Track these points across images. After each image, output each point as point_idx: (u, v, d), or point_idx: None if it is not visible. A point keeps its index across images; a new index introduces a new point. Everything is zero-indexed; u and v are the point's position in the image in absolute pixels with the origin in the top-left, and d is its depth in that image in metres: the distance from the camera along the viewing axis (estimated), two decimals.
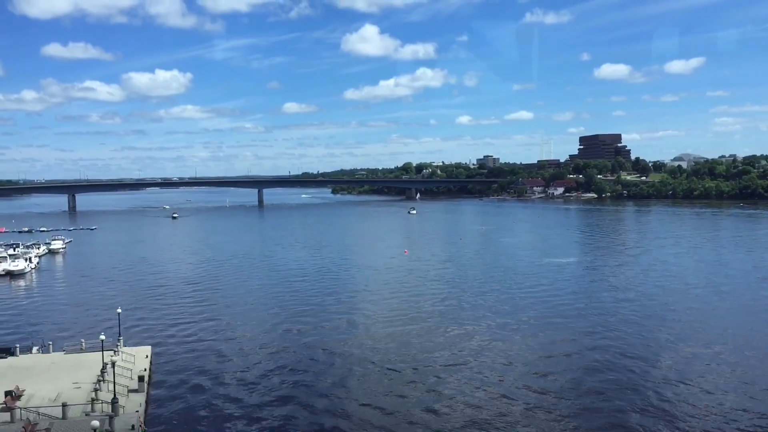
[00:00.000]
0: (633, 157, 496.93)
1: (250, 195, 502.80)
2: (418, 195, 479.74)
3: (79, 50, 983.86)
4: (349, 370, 63.35)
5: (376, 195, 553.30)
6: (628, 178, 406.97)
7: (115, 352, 64.43)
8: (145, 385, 54.17)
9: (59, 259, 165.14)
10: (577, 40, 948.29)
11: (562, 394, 55.78)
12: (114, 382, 49.14)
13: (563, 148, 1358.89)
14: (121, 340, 67.20)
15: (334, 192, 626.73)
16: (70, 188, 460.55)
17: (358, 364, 65.47)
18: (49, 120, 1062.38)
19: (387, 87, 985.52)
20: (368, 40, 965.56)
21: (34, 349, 66.64)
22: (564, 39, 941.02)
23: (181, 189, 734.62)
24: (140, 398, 51.55)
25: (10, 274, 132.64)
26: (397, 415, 51.70)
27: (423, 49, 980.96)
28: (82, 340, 67.27)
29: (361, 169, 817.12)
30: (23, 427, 42.08)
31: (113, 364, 58.12)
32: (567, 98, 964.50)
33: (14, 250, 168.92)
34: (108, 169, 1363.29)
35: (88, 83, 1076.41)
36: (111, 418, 42.72)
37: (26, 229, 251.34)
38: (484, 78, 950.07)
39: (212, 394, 57.36)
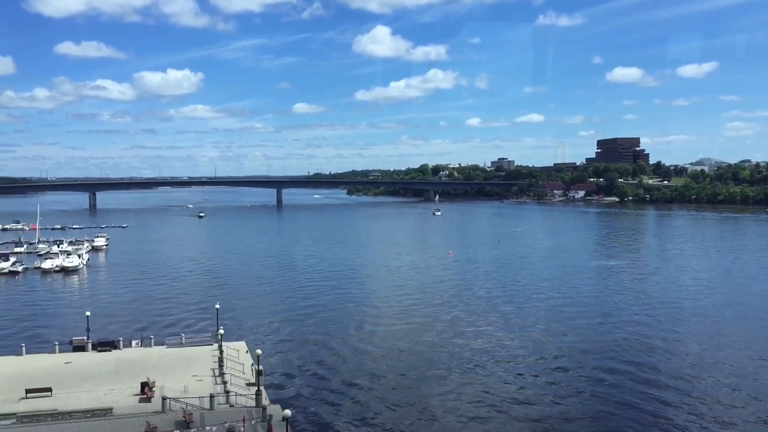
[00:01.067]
0: (650, 161, 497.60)
1: (265, 195, 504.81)
2: (437, 197, 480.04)
3: (91, 49, 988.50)
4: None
5: (392, 196, 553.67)
6: (650, 182, 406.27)
7: (220, 347, 65.56)
8: (262, 378, 54.95)
9: (102, 255, 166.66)
10: (590, 43, 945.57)
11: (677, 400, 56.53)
12: (223, 374, 50.04)
13: (575, 151, 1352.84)
14: (221, 335, 68.11)
15: (349, 193, 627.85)
16: (91, 186, 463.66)
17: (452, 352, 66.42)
18: (61, 118, 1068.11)
19: (398, 88, 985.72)
20: (380, 41, 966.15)
21: (134, 342, 67.67)
22: (576, 42, 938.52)
23: (193, 188, 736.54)
24: (263, 391, 52.39)
25: (65, 270, 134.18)
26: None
27: (434, 51, 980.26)
28: (182, 335, 68.35)
29: (374, 171, 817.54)
30: (183, 416, 43.11)
31: (224, 358, 59.52)
32: (578, 101, 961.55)
33: (58, 247, 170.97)
34: (118, 168, 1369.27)
35: (99, 82, 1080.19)
36: (264, 410, 43.63)
37: (59, 226, 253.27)
38: (495, 80, 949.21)
39: (322, 386, 58.48)
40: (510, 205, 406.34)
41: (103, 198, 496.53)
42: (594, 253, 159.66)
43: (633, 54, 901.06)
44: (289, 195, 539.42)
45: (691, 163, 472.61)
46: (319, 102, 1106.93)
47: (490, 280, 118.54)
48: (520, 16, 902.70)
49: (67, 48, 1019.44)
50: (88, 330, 66.70)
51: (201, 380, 54.98)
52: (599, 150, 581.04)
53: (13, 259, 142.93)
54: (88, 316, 67.28)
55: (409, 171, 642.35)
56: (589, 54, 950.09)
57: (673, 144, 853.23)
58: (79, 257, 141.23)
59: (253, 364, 60.40)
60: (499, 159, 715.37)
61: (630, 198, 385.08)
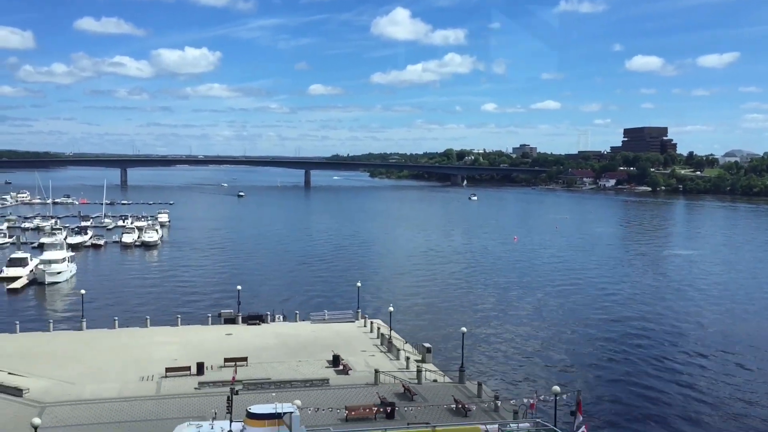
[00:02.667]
0: (677, 151, 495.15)
1: (289, 175, 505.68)
2: (465, 182, 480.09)
3: (111, 25, 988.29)
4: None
5: (415, 180, 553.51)
6: (682, 172, 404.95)
7: (365, 323, 67.60)
8: (431, 355, 56.74)
9: (166, 231, 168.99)
10: (611, 31, 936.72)
11: None
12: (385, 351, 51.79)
13: (594, 139, 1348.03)
14: (360, 312, 70.09)
15: (372, 175, 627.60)
16: (123, 162, 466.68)
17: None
18: (78, 94, 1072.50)
19: (414, 72, 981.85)
20: (399, 24, 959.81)
21: (278, 317, 69.75)
22: (597, 29, 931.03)
23: (211, 167, 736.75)
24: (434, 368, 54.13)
25: (145, 245, 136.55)
26: None
27: (453, 35, 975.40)
28: (326, 311, 70.32)
29: (393, 154, 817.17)
30: (404, 388, 45.05)
31: (387, 335, 61.37)
32: (596, 89, 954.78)
33: (123, 222, 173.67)
34: (133, 145, 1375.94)
35: (118, 58, 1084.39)
36: (480, 386, 45.48)
37: (107, 201, 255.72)
38: (512, 66, 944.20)
39: (494, 363, 60.32)
40: (540, 191, 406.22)
41: (132, 175, 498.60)
42: (663, 241, 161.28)
43: (653, 42, 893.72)
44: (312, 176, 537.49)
45: (722, 155, 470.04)
46: (335, 84, 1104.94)
47: (601, 266, 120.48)
48: (542, 0, 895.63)
49: (86, 24, 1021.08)
50: (239, 303, 68.77)
51: (373, 356, 56.91)
52: (626, 138, 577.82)
53: (90, 233, 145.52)
54: (239, 290, 69.30)
55: (433, 155, 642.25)
56: (609, 41, 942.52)
57: (690, 134, 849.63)
58: (157, 232, 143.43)
59: (407, 342, 62.39)
60: (521, 145, 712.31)
61: (662, 188, 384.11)
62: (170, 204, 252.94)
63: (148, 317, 66.57)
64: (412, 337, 65.40)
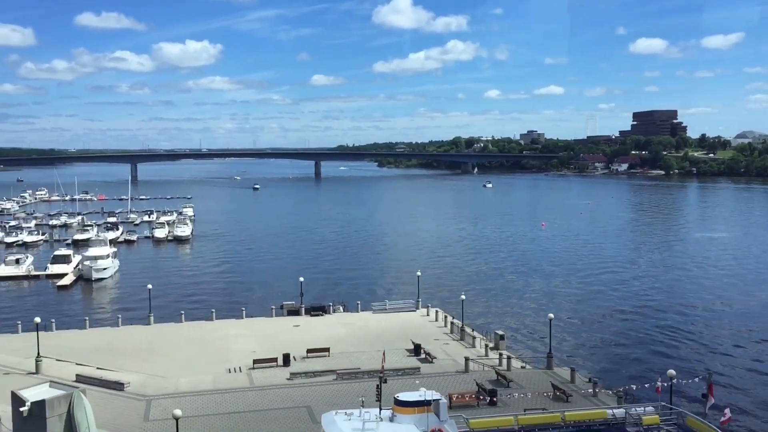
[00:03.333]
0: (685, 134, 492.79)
1: (295, 166, 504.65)
2: (476, 169, 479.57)
3: (112, 20, 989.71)
4: None
5: (423, 169, 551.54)
6: (696, 154, 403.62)
7: (427, 312, 67.85)
8: (504, 343, 56.91)
9: (192, 226, 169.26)
10: (615, 14, 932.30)
11: None
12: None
13: (600, 123, 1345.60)
14: (420, 302, 70.29)
15: (380, 165, 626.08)
16: (132, 158, 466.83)
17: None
18: (79, 90, 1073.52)
19: (417, 60, 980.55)
20: (401, 12, 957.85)
21: (339, 308, 70.04)
22: (600, 12, 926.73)
23: (215, 160, 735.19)
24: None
25: (177, 240, 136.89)
26: None
27: (455, 22, 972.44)
28: (386, 301, 70.57)
29: (399, 143, 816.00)
30: (498, 374, 45.38)
31: (456, 324, 61.62)
32: (599, 73, 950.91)
33: (149, 217, 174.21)
34: (135, 140, 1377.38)
35: (119, 53, 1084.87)
36: (573, 371, 45.70)
37: (125, 197, 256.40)
38: (515, 52, 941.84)
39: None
40: (553, 177, 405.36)
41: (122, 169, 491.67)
42: (693, 225, 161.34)
43: (657, 24, 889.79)
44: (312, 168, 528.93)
45: (735, 136, 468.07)
46: (337, 74, 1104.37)
47: (637, 249, 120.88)
48: None
49: (86, 19, 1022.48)
50: (301, 295, 69.04)
51: (447, 344, 57.17)
52: (635, 122, 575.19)
53: (120, 229, 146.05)
54: (302, 282, 69.57)
55: (439, 143, 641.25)
56: (613, 25, 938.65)
57: (694, 117, 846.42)
58: (188, 227, 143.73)
59: (473, 329, 62.56)
60: (528, 131, 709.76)
61: (676, 171, 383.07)
62: (188, 198, 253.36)
63: (213, 310, 66.89)
64: (476, 324, 65.61)
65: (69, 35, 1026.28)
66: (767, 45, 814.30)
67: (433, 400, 28.87)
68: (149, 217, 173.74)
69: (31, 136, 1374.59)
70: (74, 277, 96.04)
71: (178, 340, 59.21)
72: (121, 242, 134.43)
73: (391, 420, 28.53)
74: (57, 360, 52.49)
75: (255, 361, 50.00)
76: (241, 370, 49.56)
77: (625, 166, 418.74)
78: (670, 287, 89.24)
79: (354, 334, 60.31)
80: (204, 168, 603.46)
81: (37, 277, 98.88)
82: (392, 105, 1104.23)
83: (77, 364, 51.67)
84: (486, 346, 53.79)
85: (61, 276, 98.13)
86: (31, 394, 35.77)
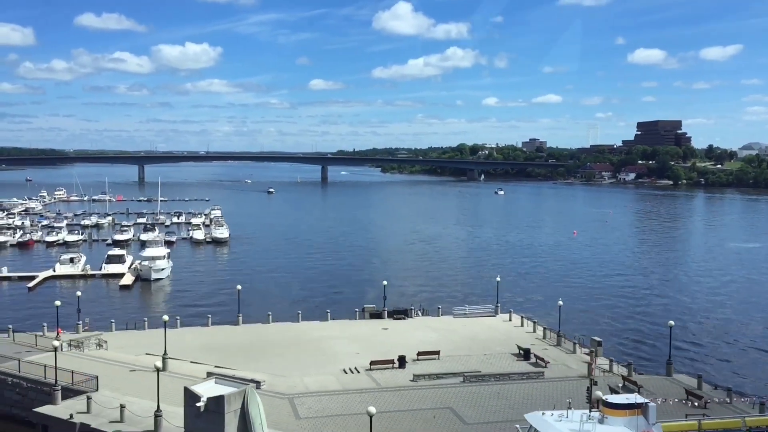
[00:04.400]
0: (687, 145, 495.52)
1: (297, 170, 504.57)
2: (483, 176, 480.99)
3: (112, 21, 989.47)
4: None
5: (427, 175, 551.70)
6: (703, 165, 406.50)
7: (509, 317, 68.67)
8: (601, 350, 57.67)
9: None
10: (614, 24, 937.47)
11: None
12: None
13: (597, 132, 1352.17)
14: (499, 307, 71.07)
15: (383, 170, 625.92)
16: (140, 159, 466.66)
17: None
18: (78, 90, 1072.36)
19: (416, 66, 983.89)
20: (401, 18, 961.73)
21: (418, 312, 70.75)
22: (600, 22, 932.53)
23: (215, 163, 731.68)
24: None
25: (216, 241, 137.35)
26: None
27: (456, 29, 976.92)
28: (466, 306, 71.43)
29: (400, 149, 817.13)
30: (625, 379, 46.26)
31: (548, 328, 62.46)
32: (597, 83, 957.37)
33: (178, 218, 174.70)
34: (132, 141, 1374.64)
35: (118, 54, 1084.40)
36: (700, 378, 46.58)
37: (144, 198, 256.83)
38: (514, 60, 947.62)
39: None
40: (560, 186, 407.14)
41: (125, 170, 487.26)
42: (720, 234, 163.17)
43: (656, 35, 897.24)
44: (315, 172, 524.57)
45: (740, 147, 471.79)
46: (335, 78, 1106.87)
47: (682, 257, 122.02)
48: None
49: (87, 20, 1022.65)
50: (384, 298, 69.72)
51: (546, 349, 57.91)
52: (639, 132, 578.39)
53: (157, 230, 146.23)
54: (384, 285, 70.29)
55: (437, 149, 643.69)
56: (612, 34, 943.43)
57: (691, 128, 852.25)
58: (226, 229, 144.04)
59: (561, 334, 63.28)
60: (530, 139, 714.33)
61: (684, 181, 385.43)
62: (207, 200, 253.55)
63: (299, 312, 67.55)
64: (565, 330, 66.55)
65: (69, 35, 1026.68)
66: (765, 57, 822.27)
67: (644, 404, 29.74)
68: (178, 219, 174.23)
69: (29, 135, 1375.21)
70: (133, 277, 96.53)
71: (274, 340, 59.82)
72: (144, 243, 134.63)
73: (601, 422, 29.34)
74: (169, 358, 52.97)
75: (372, 363, 50.70)
76: (358, 371, 50.24)
77: (632, 176, 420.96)
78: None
79: (446, 338, 60.93)
80: (205, 170, 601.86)
81: (93, 276, 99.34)
82: (390, 111, 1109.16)
83: (191, 362, 52.27)
84: (592, 352, 54.39)
85: (117, 276, 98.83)
86: (202, 390, 36.52)
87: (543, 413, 29.97)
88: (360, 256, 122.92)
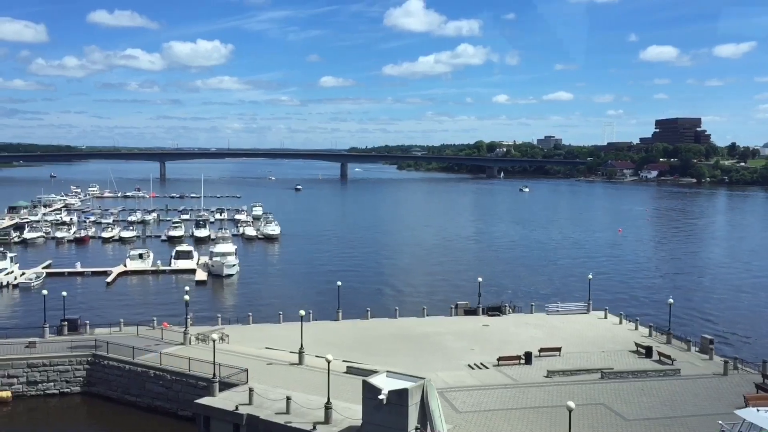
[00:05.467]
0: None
1: (313, 167, 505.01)
2: (502, 174, 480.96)
3: (125, 18, 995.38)
4: None
5: (444, 172, 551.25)
6: (726, 163, 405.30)
7: (605, 315, 69.17)
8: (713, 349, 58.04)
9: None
10: (626, 20, 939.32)
11: None
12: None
13: (601, 130, 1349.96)
14: (590, 305, 71.56)
15: (399, 168, 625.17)
16: (162, 156, 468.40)
17: None
18: (89, 87, 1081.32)
19: (426, 63, 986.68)
20: (413, 15, 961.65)
21: (509, 309, 71.42)
22: (612, 18, 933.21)
23: (227, 160, 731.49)
24: None
25: (267, 238, 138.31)
26: None
27: (467, 26, 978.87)
28: (558, 303, 72.03)
29: (414, 146, 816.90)
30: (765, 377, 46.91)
31: (654, 325, 62.93)
32: (609, 80, 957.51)
33: (221, 215, 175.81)
34: (142, 138, 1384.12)
35: (129, 51, 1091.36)
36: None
37: (177, 195, 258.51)
38: (526, 57, 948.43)
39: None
40: (579, 183, 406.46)
41: (135, 168, 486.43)
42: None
43: (669, 32, 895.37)
44: (336, 169, 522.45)
45: (763, 145, 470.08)
46: (345, 75, 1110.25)
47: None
48: None
49: (99, 17, 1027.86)
50: (479, 295, 70.48)
51: (658, 347, 58.37)
52: (657, 129, 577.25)
53: (207, 226, 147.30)
54: (480, 282, 70.98)
55: (463, 147, 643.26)
56: (625, 31, 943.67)
57: (703, 125, 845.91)
58: (277, 225, 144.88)
59: (664, 332, 63.71)
60: (545, 137, 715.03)
61: (707, 179, 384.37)
62: (238, 197, 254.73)
63: (397, 308, 68.39)
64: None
65: (81, 32, 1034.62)
66: None
67: None
68: (221, 215, 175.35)
69: (40, 132, 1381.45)
70: (205, 273, 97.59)
71: (381, 335, 60.60)
72: (213, 239, 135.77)
73: None
74: (289, 351, 53.86)
75: (499, 359, 51.45)
76: (486, 367, 50.94)
77: (654, 174, 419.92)
78: None
79: (552, 335, 61.34)
80: (220, 167, 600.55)
81: (163, 271, 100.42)
82: (400, 108, 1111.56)
83: (316, 356, 52.99)
84: (711, 350, 54.85)
85: (187, 271, 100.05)
86: (378, 383, 37.35)
87: (758, 409, 30.61)
88: (421, 253, 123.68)
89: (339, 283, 68.05)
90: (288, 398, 40.60)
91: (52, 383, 50.73)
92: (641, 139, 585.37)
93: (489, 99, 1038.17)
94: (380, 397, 36.03)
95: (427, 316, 68.25)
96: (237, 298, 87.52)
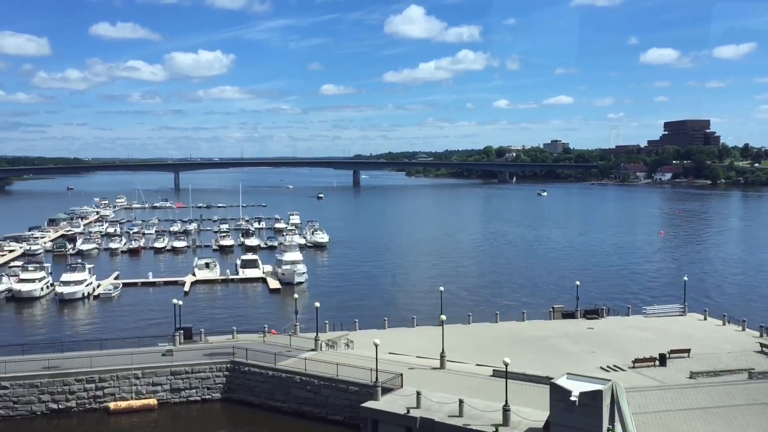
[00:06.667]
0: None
1: (319, 175, 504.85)
2: (514, 179, 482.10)
3: (127, 30, 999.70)
4: None
5: (454, 178, 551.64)
6: (740, 164, 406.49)
7: (705, 317, 69.64)
8: None
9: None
10: (627, 23, 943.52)
11: None
12: None
13: (602, 134, 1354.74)
14: (687, 307, 71.96)
15: (408, 174, 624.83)
16: (176, 166, 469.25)
17: None
18: (92, 99, 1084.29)
19: (427, 70, 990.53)
20: (413, 21, 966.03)
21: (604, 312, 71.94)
22: (613, 22, 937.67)
23: (231, 170, 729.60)
24: None
25: (316, 246, 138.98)
26: None
27: (468, 32, 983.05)
28: (655, 305, 72.62)
29: (421, 153, 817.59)
30: None
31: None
32: (609, 83, 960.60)
33: (260, 224, 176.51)
34: (145, 149, 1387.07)
35: (131, 62, 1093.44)
36: None
37: (204, 205, 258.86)
38: (526, 62, 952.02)
39: None
40: (592, 187, 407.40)
41: (143, 179, 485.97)
42: None
43: (669, 34, 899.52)
44: (347, 176, 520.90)
45: None
46: (347, 83, 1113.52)
47: None
48: None
49: (102, 29, 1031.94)
50: (577, 299, 71.07)
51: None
52: (666, 132, 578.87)
53: (253, 236, 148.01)
54: (577, 286, 71.61)
55: (471, 153, 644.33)
56: (625, 34, 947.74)
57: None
58: (325, 234, 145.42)
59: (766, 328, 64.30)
60: (552, 141, 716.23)
61: (723, 181, 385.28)
62: (263, 206, 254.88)
63: (497, 312, 69.06)
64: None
65: (84, 45, 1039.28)
66: None
67: None
68: (259, 224, 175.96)
69: (42, 144, 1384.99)
70: (277, 281, 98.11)
71: (487, 338, 61.25)
72: (264, 248, 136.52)
73: None
74: (415, 356, 54.44)
75: (635, 361, 52.03)
76: (621, 369, 51.45)
77: (668, 176, 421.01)
78: None
79: (662, 337, 61.29)
80: (226, 177, 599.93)
81: (232, 280, 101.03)
82: (401, 114, 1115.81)
83: (448, 360, 53.45)
84: None
85: (254, 280, 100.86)
86: (566, 385, 37.95)
87: None
88: (482, 258, 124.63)
89: (441, 288, 68.50)
90: (461, 401, 41.20)
91: (194, 390, 51.36)
92: (649, 142, 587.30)
93: (489, 104, 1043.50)
94: (572, 398, 36.63)
95: (527, 320, 68.90)
96: (321, 305, 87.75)
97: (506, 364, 40.45)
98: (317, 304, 57.16)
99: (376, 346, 44.77)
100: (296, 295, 64.57)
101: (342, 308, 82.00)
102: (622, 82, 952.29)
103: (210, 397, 51.66)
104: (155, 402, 50.07)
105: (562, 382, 38.42)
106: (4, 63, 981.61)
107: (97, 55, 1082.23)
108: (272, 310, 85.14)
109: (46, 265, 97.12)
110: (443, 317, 52.20)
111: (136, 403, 49.53)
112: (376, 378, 44.37)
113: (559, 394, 37.45)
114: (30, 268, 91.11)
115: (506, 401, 40.03)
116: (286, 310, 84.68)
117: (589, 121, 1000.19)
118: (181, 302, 62.39)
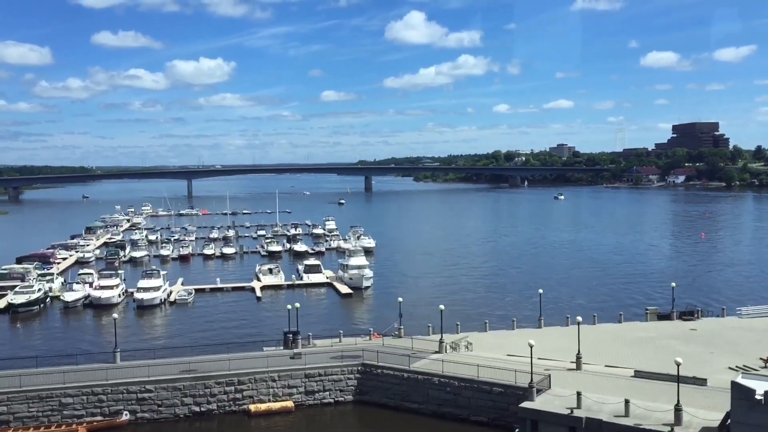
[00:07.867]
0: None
1: (323, 181, 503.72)
2: (526, 183, 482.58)
3: (129, 39, 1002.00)
4: None
5: (463, 183, 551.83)
6: (755, 166, 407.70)
7: None
8: None
9: None
10: (627, 27, 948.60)
11: None
12: None
13: (602, 137, 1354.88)
14: None
15: (416, 179, 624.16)
16: (189, 174, 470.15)
17: None
18: (93, 108, 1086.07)
19: (427, 75, 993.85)
20: (414, 27, 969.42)
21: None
22: (613, 25, 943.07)
23: (237, 177, 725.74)
24: None
25: (365, 251, 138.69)
26: None
27: (468, 37, 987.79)
28: (749, 305, 72.90)
29: (426, 158, 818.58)
30: None
31: None
32: (609, 87, 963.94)
33: (296, 229, 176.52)
34: (146, 157, 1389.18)
35: (133, 71, 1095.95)
36: None
37: (228, 211, 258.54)
38: (526, 66, 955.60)
39: None
40: (609, 190, 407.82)
41: (149, 186, 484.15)
42: None
43: (669, 37, 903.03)
44: (358, 182, 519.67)
45: None
46: (347, 89, 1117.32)
47: None
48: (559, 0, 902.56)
49: (103, 38, 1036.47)
50: (673, 300, 71.28)
51: None
52: (674, 135, 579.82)
53: (302, 241, 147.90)
54: (673, 287, 71.83)
55: (480, 157, 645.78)
56: (625, 38, 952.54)
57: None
58: (372, 239, 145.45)
59: None
60: (558, 145, 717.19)
61: (737, 183, 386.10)
62: (288, 212, 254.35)
63: (595, 314, 69.16)
64: None
65: (85, 54, 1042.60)
66: None
67: None
68: (295, 230, 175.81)
69: (44, 153, 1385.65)
70: (345, 286, 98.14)
71: (606, 340, 61.31)
72: (312, 253, 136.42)
73: None
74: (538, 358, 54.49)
75: (766, 360, 52.20)
76: (753, 369, 51.49)
77: (681, 179, 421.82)
78: None
79: (736, 341, 61.33)
80: (232, 184, 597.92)
81: (297, 285, 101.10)
82: (401, 120, 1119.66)
83: (571, 361, 53.46)
84: None
85: (317, 285, 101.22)
86: (748, 384, 38.08)
87: None
88: (530, 261, 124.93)
89: (540, 290, 68.74)
90: (626, 401, 41.30)
91: (327, 392, 51.49)
92: (656, 145, 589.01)
93: (490, 109, 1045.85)
94: (757, 397, 36.77)
95: (625, 321, 69.03)
96: (397, 308, 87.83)
97: (678, 364, 40.58)
98: (441, 306, 57.25)
99: (531, 347, 44.92)
100: (401, 299, 64.58)
101: (426, 312, 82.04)
102: (622, 86, 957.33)
103: (342, 399, 51.81)
104: (292, 404, 50.20)
105: (744, 381, 38.55)
106: (6, 73, 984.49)
107: (98, 64, 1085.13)
108: (349, 314, 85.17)
109: (120, 272, 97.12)
110: (579, 318, 52.35)
111: (275, 405, 49.66)
112: (531, 380, 44.45)
113: (741, 393, 37.57)
114: (107, 275, 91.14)
115: (678, 401, 40.14)
116: (366, 313, 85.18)
117: (589, 125, 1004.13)
118: (297, 305, 61.86)
